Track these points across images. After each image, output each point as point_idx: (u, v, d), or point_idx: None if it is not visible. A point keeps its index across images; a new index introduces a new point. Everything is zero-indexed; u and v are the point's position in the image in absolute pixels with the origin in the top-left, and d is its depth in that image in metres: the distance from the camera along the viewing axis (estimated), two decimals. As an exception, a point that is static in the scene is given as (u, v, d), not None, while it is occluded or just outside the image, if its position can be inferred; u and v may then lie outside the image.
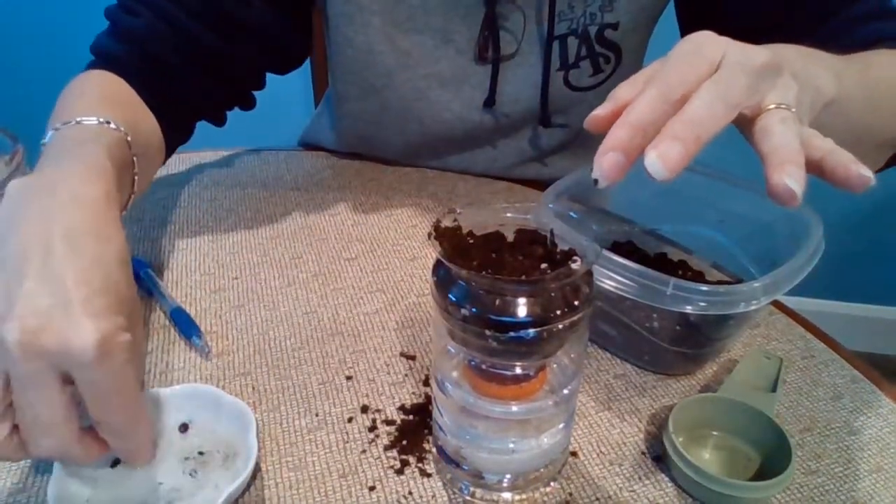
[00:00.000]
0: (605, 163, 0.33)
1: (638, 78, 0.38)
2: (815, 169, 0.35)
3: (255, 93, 0.74)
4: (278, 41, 0.71)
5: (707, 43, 0.36)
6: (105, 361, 0.34)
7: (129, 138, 0.51)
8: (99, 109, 0.51)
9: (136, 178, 0.53)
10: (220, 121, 0.72)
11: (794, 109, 0.36)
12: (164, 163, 0.66)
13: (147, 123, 0.60)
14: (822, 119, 0.42)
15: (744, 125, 0.37)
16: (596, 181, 0.33)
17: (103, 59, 0.63)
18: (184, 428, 0.47)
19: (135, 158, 0.52)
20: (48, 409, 0.34)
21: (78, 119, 0.49)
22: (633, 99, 0.35)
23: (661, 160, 0.32)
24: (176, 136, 0.66)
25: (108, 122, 0.50)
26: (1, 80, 1.70)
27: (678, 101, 0.34)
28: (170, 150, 0.66)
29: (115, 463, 0.43)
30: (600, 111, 0.37)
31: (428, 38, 0.72)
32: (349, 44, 0.74)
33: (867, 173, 0.35)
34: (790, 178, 0.32)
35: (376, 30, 0.71)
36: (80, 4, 1.62)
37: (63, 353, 0.34)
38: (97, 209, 0.40)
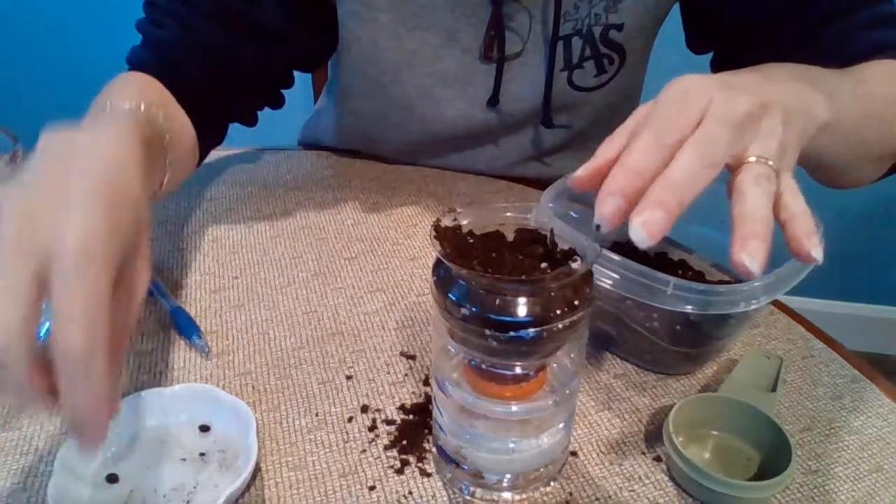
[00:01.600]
0: (606, 208, 0.33)
1: (620, 133, 0.38)
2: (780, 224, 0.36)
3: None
4: (297, 40, 0.72)
5: (693, 88, 0.37)
6: (82, 265, 0.32)
7: (161, 120, 0.51)
8: (134, 98, 0.50)
9: (168, 161, 0.52)
10: (251, 121, 0.74)
11: (771, 162, 0.36)
12: (198, 166, 0.67)
13: (180, 121, 0.61)
14: (817, 141, 0.43)
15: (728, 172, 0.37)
16: (598, 226, 0.34)
17: (136, 68, 0.63)
18: (205, 429, 0.47)
19: (167, 137, 0.52)
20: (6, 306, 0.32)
21: (110, 103, 0.49)
22: (623, 148, 0.36)
23: (645, 228, 0.32)
24: (209, 138, 0.67)
25: (140, 107, 0.49)
26: (1, 81, 1.70)
27: (673, 145, 0.35)
28: (203, 153, 0.67)
29: (112, 479, 0.43)
30: (582, 172, 0.37)
31: (434, 36, 0.72)
32: (355, 40, 0.74)
33: (817, 255, 0.35)
34: (749, 257, 0.33)
35: (383, 27, 0.72)
36: (81, 5, 1.62)
37: (47, 250, 0.32)
38: (117, 150, 0.40)
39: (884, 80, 0.56)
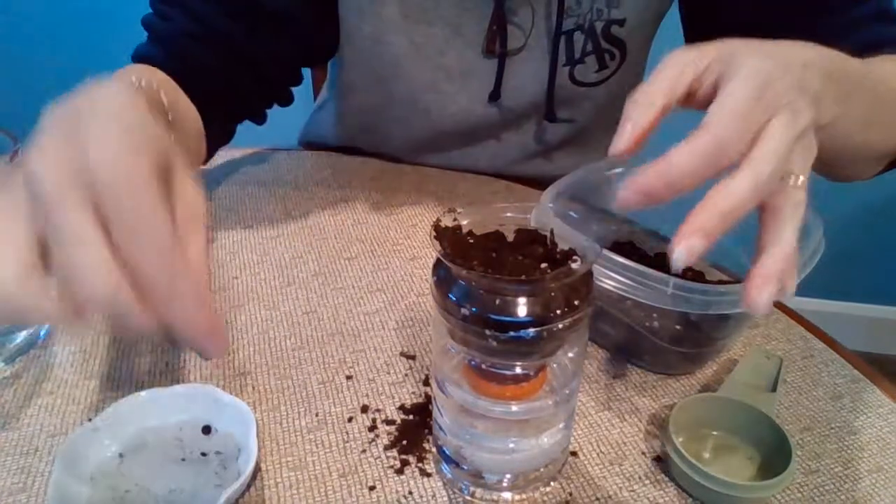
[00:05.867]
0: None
1: (655, 93, 0.37)
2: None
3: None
4: (307, 32, 0.72)
5: (773, 83, 0.35)
6: (127, 181, 0.31)
7: (164, 100, 0.49)
8: (136, 75, 0.49)
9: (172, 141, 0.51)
10: (260, 118, 0.73)
11: (803, 179, 0.36)
12: (204, 163, 0.67)
13: (184, 106, 0.59)
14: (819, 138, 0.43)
15: None
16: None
17: (142, 63, 0.62)
18: (205, 429, 0.47)
19: (170, 116, 0.50)
20: (79, 232, 0.30)
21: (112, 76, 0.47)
22: (660, 111, 0.35)
23: (687, 253, 0.33)
24: (217, 134, 0.67)
25: (142, 82, 0.48)
26: (1, 80, 1.70)
27: (724, 166, 0.34)
28: (211, 149, 0.67)
29: (111, 479, 0.43)
30: (623, 145, 0.36)
31: (438, 29, 0.72)
32: (358, 33, 0.74)
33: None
34: (765, 298, 0.34)
35: (386, 20, 0.72)
36: (81, 5, 1.62)
37: (84, 167, 0.31)
38: (124, 93, 0.36)
39: (886, 79, 0.56)
